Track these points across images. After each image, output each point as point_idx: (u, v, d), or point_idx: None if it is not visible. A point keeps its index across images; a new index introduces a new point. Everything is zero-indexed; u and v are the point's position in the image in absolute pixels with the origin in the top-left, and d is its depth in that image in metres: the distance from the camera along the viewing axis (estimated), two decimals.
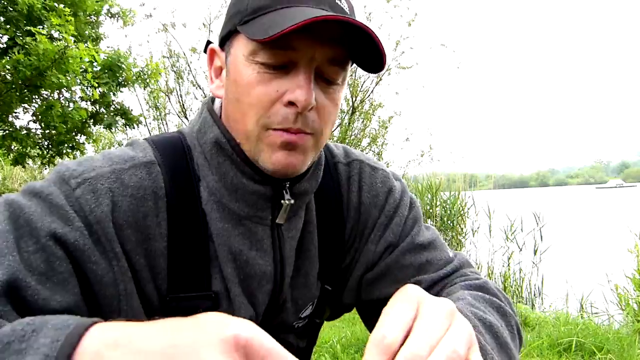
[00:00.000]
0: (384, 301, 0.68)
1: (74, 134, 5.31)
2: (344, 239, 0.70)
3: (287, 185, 0.61)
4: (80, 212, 0.51)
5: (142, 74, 5.36)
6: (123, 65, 5.03)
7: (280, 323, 0.68)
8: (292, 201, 0.61)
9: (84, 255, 0.50)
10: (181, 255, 0.57)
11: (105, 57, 5.03)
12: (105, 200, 0.52)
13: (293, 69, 0.54)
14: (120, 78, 5.09)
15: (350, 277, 0.72)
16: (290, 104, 0.54)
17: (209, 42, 0.64)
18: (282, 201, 0.61)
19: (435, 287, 0.68)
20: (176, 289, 0.58)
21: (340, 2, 0.56)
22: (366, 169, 0.72)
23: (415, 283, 0.62)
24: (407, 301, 0.41)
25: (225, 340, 0.33)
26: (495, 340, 0.55)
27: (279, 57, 0.53)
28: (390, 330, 0.38)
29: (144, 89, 6.08)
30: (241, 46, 0.56)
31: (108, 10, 5.71)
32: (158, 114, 8.07)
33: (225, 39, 0.60)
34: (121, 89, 5.43)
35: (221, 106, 0.63)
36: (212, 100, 0.66)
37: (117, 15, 5.76)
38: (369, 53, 0.54)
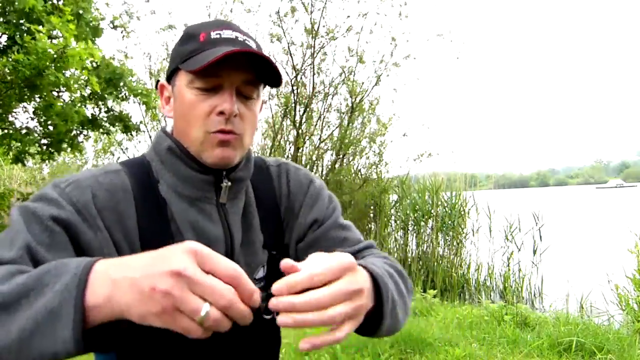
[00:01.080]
0: None
1: (73, 134, 5.30)
2: (281, 218, 0.92)
3: (225, 173, 0.82)
4: (69, 202, 0.70)
5: (142, 91, 5.37)
6: (125, 80, 5.06)
7: None
8: (229, 184, 0.83)
9: (76, 229, 0.69)
10: (149, 231, 0.76)
11: (107, 64, 5.03)
12: (87, 192, 0.73)
13: (220, 90, 0.77)
14: (121, 93, 5.12)
15: (289, 248, 0.92)
16: (221, 113, 0.76)
17: (157, 81, 0.88)
18: (222, 184, 0.82)
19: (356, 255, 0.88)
20: None
21: (249, 42, 0.80)
22: (292, 168, 0.96)
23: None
24: (334, 264, 0.58)
25: (182, 248, 0.52)
26: (396, 287, 0.75)
27: (210, 82, 0.76)
28: (301, 281, 0.56)
29: (144, 106, 6.07)
30: (182, 78, 0.79)
31: (111, 22, 5.71)
32: (156, 114, 8.06)
33: (171, 76, 0.83)
34: (120, 102, 5.46)
35: (172, 129, 0.86)
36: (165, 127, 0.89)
37: (118, 27, 5.76)
38: (272, 74, 0.78)
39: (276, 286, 0.55)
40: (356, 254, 0.87)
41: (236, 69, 0.76)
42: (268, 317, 0.58)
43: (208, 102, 0.76)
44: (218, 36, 0.77)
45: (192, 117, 0.77)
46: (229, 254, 0.81)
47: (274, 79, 0.80)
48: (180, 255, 0.50)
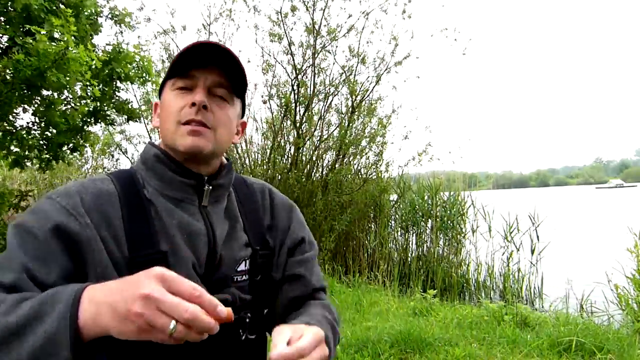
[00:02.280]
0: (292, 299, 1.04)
1: (74, 134, 5.28)
2: (264, 225, 1.01)
3: (206, 179, 0.92)
4: (60, 207, 0.79)
5: (138, 68, 5.32)
6: (123, 55, 5.00)
7: (222, 277, 0.91)
8: (211, 188, 0.92)
9: (67, 228, 0.77)
10: (134, 228, 0.83)
11: (102, 53, 5.01)
12: (75, 196, 0.82)
13: (195, 88, 0.88)
14: (122, 70, 5.03)
15: (275, 252, 1.00)
16: (193, 104, 0.86)
17: (156, 104, 0.99)
18: (204, 188, 0.91)
19: (314, 293, 1.04)
20: (134, 252, 0.82)
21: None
22: (274, 190, 1.09)
23: (306, 283, 1.04)
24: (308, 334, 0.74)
25: (150, 274, 0.62)
26: (333, 337, 0.91)
27: (186, 82, 0.89)
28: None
29: (142, 85, 6.05)
30: (167, 86, 0.92)
31: (110, 12, 5.67)
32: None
33: (161, 89, 0.95)
34: (119, 84, 5.39)
35: (159, 142, 0.95)
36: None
37: (117, 18, 5.71)
38: (239, 76, 0.90)
39: (274, 353, 0.68)
40: (317, 290, 1.06)
41: (208, 69, 0.88)
42: (252, 337, 0.76)
43: (184, 99, 0.88)
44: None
45: (169, 112, 0.89)
46: (212, 247, 0.89)
47: (241, 82, 0.91)
48: (148, 280, 0.61)
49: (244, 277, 0.94)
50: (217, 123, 0.89)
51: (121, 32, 5.77)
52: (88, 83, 4.28)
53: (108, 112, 5.54)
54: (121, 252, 0.81)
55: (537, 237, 7.06)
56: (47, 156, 5.26)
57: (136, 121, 6.07)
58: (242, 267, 0.94)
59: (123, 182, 0.89)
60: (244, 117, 1.03)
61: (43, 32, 3.75)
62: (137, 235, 0.82)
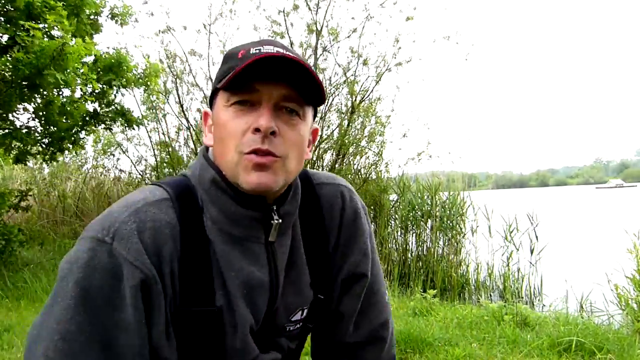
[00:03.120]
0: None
1: (75, 130, 5.27)
2: (329, 251, 0.85)
3: (274, 208, 0.76)
4: (122, 258, 0.65)
5: (142, 75, 5.34)
6: (124, 67, 5.00)
7: (273, 327, 0.80)
8: (280, 221, 0.76)
9: (138, 290, 0.65)
10: (189, 276, 0.71)
11: (105, 56, 5.02)
12: (135, 240, 0.66)
13: (258, 105, 0.70)
14: (123, 79, 5.03)
15: (336, 282, 0.87)
16: (257, 130, 0.69)
17: (206, 113, 0.82)
18: (272, 221, 0.75)
19: (377, 343, 0.91)
20: (186, 305, 0.71)
21: (286, 50, 0.71)
22: (346, 196, 0.88)
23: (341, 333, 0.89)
24: None
25: None
26: None
27: (245, 97, 0.70)
28: None
29: (144, 91, 6.09)
30: (220, 99, 0.73)
31: (111, 10, 5.67)
32: (155, 114, 8.05)
33: (212, 100, 0.78)
34: (122, 91, 5.41)
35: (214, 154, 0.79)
36: (207, 148, 0.81)
37: (117, 17, 5.71)
38: (314, 90, 0.72)
39: None
40: (381, 341, 0.92)
41: (274, 83, 0.69)
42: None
43: (244, 119, 0.70)
44: (257, 51, 0.70)
45: (227, 136, 0.71)
46: (273, 298, 0.78)
47: (317, 96, 0.73)
48: None
49: (297, 326, 0.84)
50: (288, 148, 0.72)
51: (121, 26, 5.77)
52: (86, 77, 4.28)
53: (107, 118, 5.55)
54: (174, 300, 0.70)
55: (536, 237, 7.07)
56: (52, 149, 5.28)
57: (133, 129, 6.08)
58: (297, 316, 0.83)
59: (184, 205, 0.73)
60: (315, 121, 0.83)
61: (38, 27, 3.76)
62: (191, 284, 0.71)
